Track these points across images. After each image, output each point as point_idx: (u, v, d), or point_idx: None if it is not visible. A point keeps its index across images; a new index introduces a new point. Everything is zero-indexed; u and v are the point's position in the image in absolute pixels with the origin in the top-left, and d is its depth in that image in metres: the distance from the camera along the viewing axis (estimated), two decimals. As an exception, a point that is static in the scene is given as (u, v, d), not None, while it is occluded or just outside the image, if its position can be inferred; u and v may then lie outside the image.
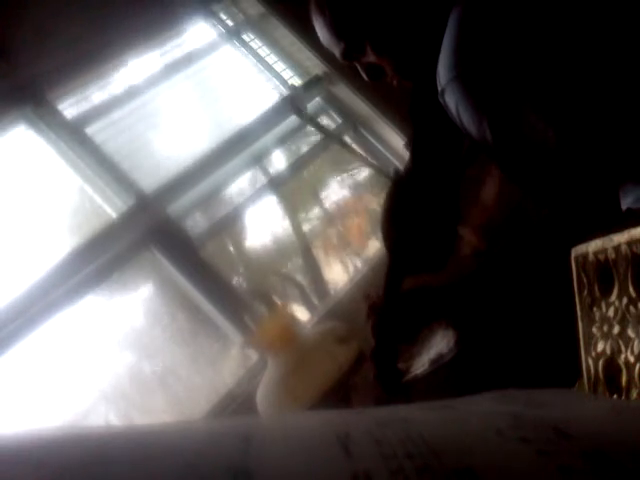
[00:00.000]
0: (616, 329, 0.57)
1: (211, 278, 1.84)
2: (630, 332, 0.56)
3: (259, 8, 2.29)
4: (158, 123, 2.13)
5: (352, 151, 2.23)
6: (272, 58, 2.33)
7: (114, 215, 1.84)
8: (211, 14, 2.28)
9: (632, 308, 0.56)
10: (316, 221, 2.28)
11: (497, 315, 1.07)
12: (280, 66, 2.33)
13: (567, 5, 0.80)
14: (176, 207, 1.92)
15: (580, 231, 0.64)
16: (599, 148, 0.79)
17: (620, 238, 0.57)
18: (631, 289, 0.56)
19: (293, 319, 1.61)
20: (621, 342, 0.57)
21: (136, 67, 2.08)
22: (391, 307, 1.08)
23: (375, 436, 0.29)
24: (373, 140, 2.32)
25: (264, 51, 2.34)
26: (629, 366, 0.56)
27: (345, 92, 2.28)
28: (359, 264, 2.22)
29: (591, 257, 0.60)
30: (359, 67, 1.06)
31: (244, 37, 2.33)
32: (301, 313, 2.02)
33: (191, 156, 2.03)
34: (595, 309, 0.60)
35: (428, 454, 0.27)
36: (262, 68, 2.32)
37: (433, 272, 1.11)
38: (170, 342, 1.82)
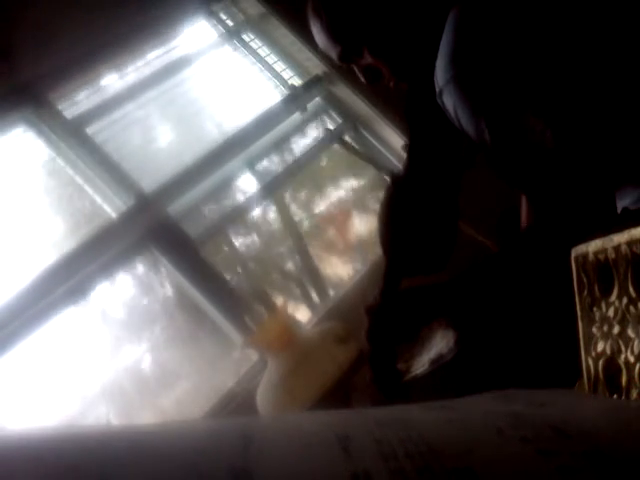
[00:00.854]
0: (616, 329, 0.57)
1: (211, 278, 1.84)
2: (630, 332, 0.56)
3: (259, 8, 2.29)
4: (158, 123, 2.13)
5: (354, 150, 2.23)
6: (272, 58, 2.34)
7: (114, 215, 1.84)
8: (211, 14, 2.28)
9: (632, 308, 0.56)
10: (316, 221, 2.28)
11: (497, 315, 1.07)
12: (280, 66, 2.33)
13: (563, 6, 0.80)
14: (176, 207, 1.92)
15: (579, 231, 0.64)
16: (597, 149, 0.79)
17: (620, 238, 0.57)
18: (631, 289, 0.56)
19: (293, 319, 1.61)
20: (621, 342, 0.57)
21: (136, 67, 2.08)
22: (388, 309, 1.08)
23: (375, 436, 0.29)
24: (373, 140, 2.32)
25: (264, 51, 2.34)
26: (629, 366, 0.56)
27: (345, 92, 2.28)
28: (359, 264, 2.22)
29: (591, 257, 0.60)
30: (356, 70, 1.06)
31: (244, 37, 2.33)
32: (301, 313, 2.02)
33: (191, 156, 2.03)
34: (595, 309, 0.60)
35: (428, 454, 0.27)
36: (262, 68, 2.32)
37: (431, 274, 1.11)
38: (170, 342, 1.82)
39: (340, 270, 2.22)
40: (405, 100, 1.08)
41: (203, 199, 2.01)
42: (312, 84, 2.29)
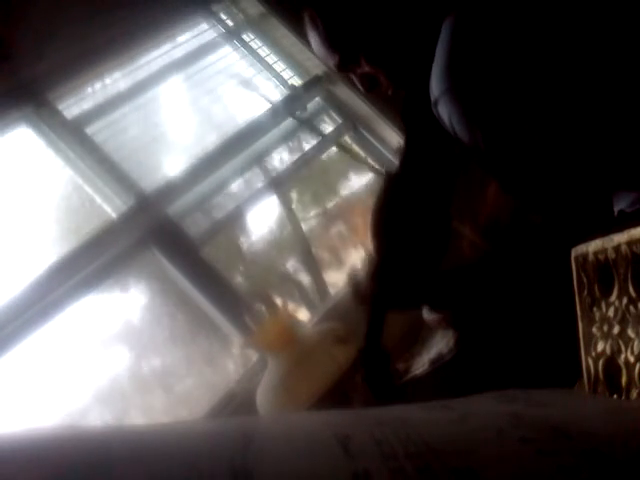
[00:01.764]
0: (616, 329, 0.57)
1: (211, 278, 1.84)
2: (630, 332, 0.56)
3: (259, 8, 2.29)
4: (158, 123, 2.13)
5: (351, 153, 2.24)
6: (272, 58, 2.33)
7: (114, 215, 1.84)
8: (211, 14, 2.28)
9: (632, 308, 0.56)
10: (316, 221, 2.28)
11: (497, 315, 1.07)
12: (280, 66, 2.33)
13: (559, 18, 0.80)
14: (176, 207, 1.92)
15: (577, 234, 0.64)
16: (593, 158, 0.80)
17: (620, 238, 0.57)
18: (631, 289, 0.56)
19: (293, 319, 1.61)
20: (621, 342, 0.57)
21: (136, 67, 2.08)
22: (380, 309, 1.08)
23: (375, 436, 0.29)
24: (373, 140, 2.32)
25: (264, 51, 2.34)
26: (629, 366, 0.56)
27: (345, 92, 2.28)
28: (359, 264, 2.21)
29: (591, 257, 0.60)
30: (354, 78, 1.07)
31: (244, 37, 2.33)
32: (301, 313, 2.02)
33: (191, 156, 2.03)
34: (595, 309, 0.60)
35: (428, 454, 0.27)
36: (262, 68, 2.32)
37: (424, 274, 1.11)
38: (170, 342, 1.82)
39: (340, 270, 2.22)
40: (402, 105, 1.08)
41: (203, 199, 2.01)
42: (312, 84, 2.29)
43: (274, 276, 2.13)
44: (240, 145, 2.09)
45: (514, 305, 1.05)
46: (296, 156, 2.25)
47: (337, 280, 2.16)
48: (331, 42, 1.02)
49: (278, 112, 2.20)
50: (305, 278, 2.12)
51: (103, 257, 1.74)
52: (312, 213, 2.28)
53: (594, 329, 0.60)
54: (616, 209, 0.85)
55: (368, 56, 1.00)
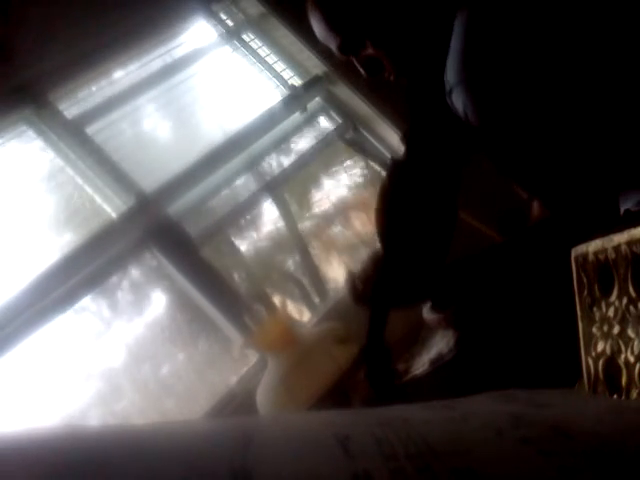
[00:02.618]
0: (616, 329, 0.57)
1: (211, 278, 1.84)
2: (630, 332, 0.56)
3: (259, 8, 2.29)
4: (158, 123, 2.13)
5: (357, 149, 2.23)
6: (272, 58, 2.33)
7: (114, 215, 1.84)
8: (211, 14, 2.28)
9: (632, 308, 0.56)
10: (316, 220, 2.28)
11: (497, 315, 1.07)
12: (280, 66, 2.33)
13: (571, 11, 0.80)
14: (176, 207, 1.92)
15: (580, 231, 0.64)
16: (604, 156, 0.80)
17: (620, 238, 0.57)
18: (631, 289, 0.56)
19: (293, 319, 1.61)
20: (621, 342, 0.57)
21: (136, 67, 2.08)
22: (383, 304, 1.08)
23: (375, 436, 0.29)
24: (373, 140, 2.32)
25: (264, 51, 2.34)
26: (629, 366, 0.56)
27: (345, 92, 2.28)
28: (359, 264, 2.21)
29: (591, 257, 0.60)
30: (356, 63, 1.06)
31: (244, 37, 2.33)
32: (301, 313, 2.02)
33: (191, 156, 2.03)
34: (595, 309, 0.60)
35: (429, 454, 0.27)
36: (262, 68, 2.32)
37: (428, 265, 1.10)
38: (170, 342, 1.82)
39: (340, 270, 2.22)
40: (406, 90, 1.07)
41: (203, 199, 2.01)
42: (312, 84, 2.29)
43: (274, 276, 2.13)
44: (240, 145, 2.09)
45: (514, 305, 1.05)
46: (295, 156, 2.25)
47: (337, 280, 2.16)
48: (333, 24, 1.01)
49: (278, 112, 2.20)
50: (305, 278, 2.12)
51: (103, 257, 1.74)
52: (310, 213, 2.28)
53: (594, 329, 0.60)
54: (623, 208, 0.85)
55: (374, 38, 0.99)
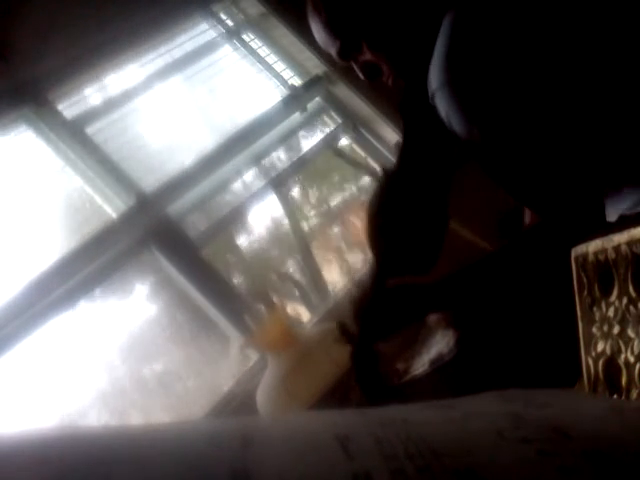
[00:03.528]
0: (616, 329, 0.57)
1: (211, 278, 1.84)
2: (630, 332, 0.56)
3: (259, 8, 2.29)
4: (158, 123, 2.13)
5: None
6: (272, 58, 2.33)
7: (114, 215, 1.84)
8: (211, 14, 2.28)
9: (632, 308, 0.56)
10: (316, 221, 2.28)
11: (497, 315, 1.07)
12: (280, 66, 2.33)
13: (555, 13, 0.80)
14: (176, 207, 1.92)
15: (574, 233, 0.64)
16: (589, 154, 0.80)
17: (620, 238, 0.57)
18: (631, 289, 0.56)
19: (293, 319, 1.61)
20: (621, 342, 0.57)
21: (136, 67, 2.08)
22: (376, 306, 1.08)
23: (376, 436, 0.29)
24: (373, 140, 2.32)
25: (264, 51, 2.34)
26: (629, 366, 0.56)
27: (345, 92, 2.28)
28: (359, 264, 2.21)
29: (591, 257, 0.60)
30: (355, 67, 1.06)
31: (244, 37, 2.33)
32: (301, 313, 2.02)
33: (191, 156, 2.03)
34: (595, 309, 0.60)
35: (429, 454, 0.27)
36: (262, 68, 2.32)
37: (420, 273, 1.10)
38: (170, 342, 1.82)
39: (340, 270, 2.22)
40: (401, 97, 1.07)
41: (203, 199, 2.01)
42: (312, 84, 2.29)
43: (274, 276, 2.13)
44: (240, 145, 2.09)
45: (514, 305, 1.05)
46: (296, 156, 2.25)
47: (337, 280, 2.16)
48: (333, 28, 1.01)
49: (278, 112, 2.20)
50: (305, 278, 2.12)
51: (103, 257, 1.74)
52: (312, 213, 2.28)
53: (594, 329, 0.60)
54: (617, 210, 0.84)
55: (371, 42, 0.99)
